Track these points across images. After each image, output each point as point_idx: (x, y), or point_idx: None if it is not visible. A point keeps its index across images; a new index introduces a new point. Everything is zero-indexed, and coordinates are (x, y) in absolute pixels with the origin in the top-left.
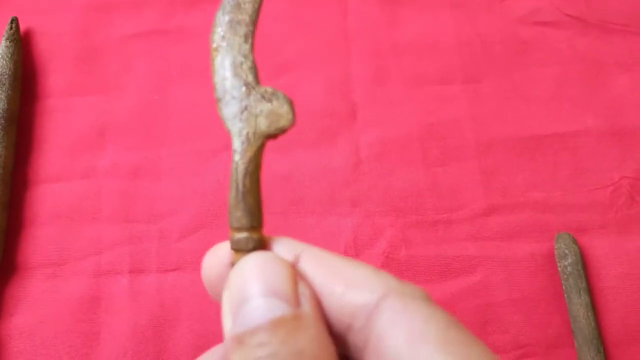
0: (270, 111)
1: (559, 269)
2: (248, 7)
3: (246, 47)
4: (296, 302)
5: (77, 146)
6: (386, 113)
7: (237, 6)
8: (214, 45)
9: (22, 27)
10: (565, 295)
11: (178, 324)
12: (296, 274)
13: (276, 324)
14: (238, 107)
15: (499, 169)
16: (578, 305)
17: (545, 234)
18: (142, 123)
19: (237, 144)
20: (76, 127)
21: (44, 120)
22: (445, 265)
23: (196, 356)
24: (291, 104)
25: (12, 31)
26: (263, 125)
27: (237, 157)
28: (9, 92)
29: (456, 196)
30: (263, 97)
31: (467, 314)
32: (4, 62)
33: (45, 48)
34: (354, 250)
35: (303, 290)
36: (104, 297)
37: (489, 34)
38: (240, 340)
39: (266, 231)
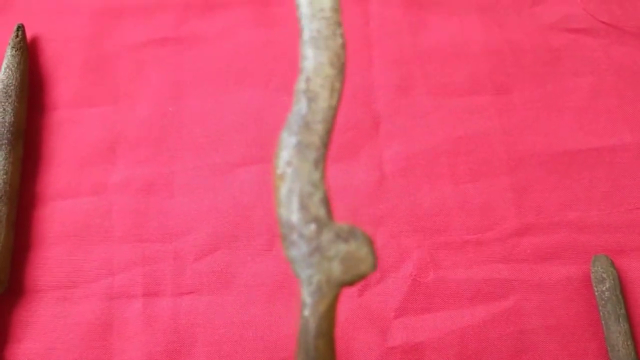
0: (346, 254)
1: (596, 293)
2: (319, 127)
3: (316, 175)
4: None
5: (86, 161)
6: (411, 125)
7: (306, 126)
8: (279, 171)
9: (28, 34)
10: (603, 322)
11: (194, 350)
12: None
13: None
14: (307, 248)
15: (531, 186)
16: (616, 333)
17: (581, 256)
18: (155, 135)
19: (306, 294)
20: (85, 140)
21: (52, 133)
22: (476, 290)
23: None
24: (372, 244)
25: (18, 39)
26: (338, 271)
27: (306, 312)
28: (16, 104)
29: (487, 215)
30: (338, 236)
31: (500, 341)
32: (10, 72)
33: (53, 56)
34: (379, 273)
35: None
36: (117, 322)
37: (519, 42)
38: None
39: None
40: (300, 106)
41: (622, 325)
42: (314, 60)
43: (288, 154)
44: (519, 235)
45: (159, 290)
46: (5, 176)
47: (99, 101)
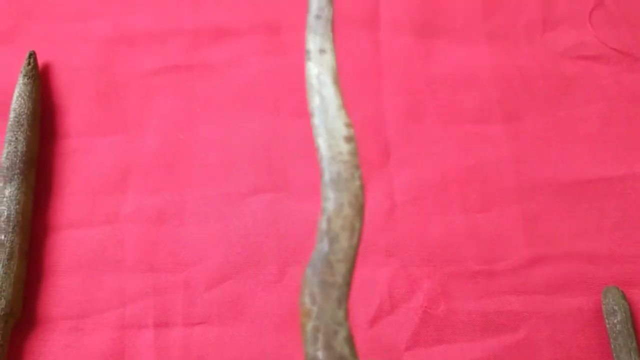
0: None
1: (608, 326)
2: (341, 267)
3: (340, 314)
4: None
5: (98, 189)
6: (422, 152)
7: (329, 265)
8: (304, 308)
9: (40, 61)
10: (615, 356)
11: None
12: None
13: None
14: None
15: (542, 216)
16: None
17: (592, 288)
18: (166, 164)
19: None
20: (97, 169)
21: (64, 162)
22: (488, 322)
23: None
24: None
25: (30, 67)
26: None
27: None
28: (28, 133)
29: (498, 245)
30: None
31: None
32: (22, 101)
33: (64, 83)
34: (390, 304)
35: None
36: (128, 353)
37: (529, 69)
38: None
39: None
40: (322, 245)
41: (633, 358)
42: (334, 201)
43: (312, 292)
44: (530, 266)
45: (170, 321)
46: (17, 206)
47: (110, 130)
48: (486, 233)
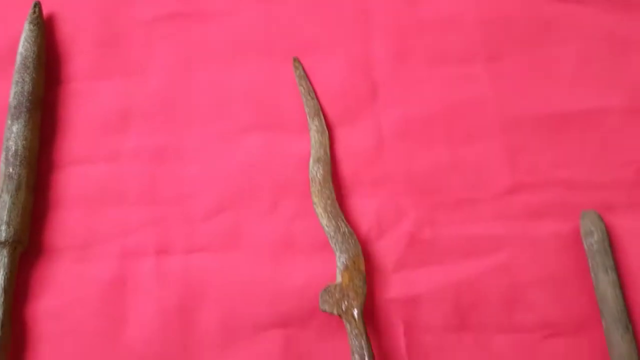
0: None
1: (585, 246)
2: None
3: None
4: None
5: (101, 129)
6: (408, 92)
7: None
8: None
9: (45, 11)
10: (592, 274)
11: (204, 304)
12: None
13: None
14: None
15: (524, 148)
16: (605, 283)
17: (571, 212)
18: (166, 105)
19: None
20: (100, 110)
21: (68, 104)
22: (471, 245)
23: (222, 336)
24: None
25: (35, 15)
26: None
27: None
28: (34, 75)
29: (481, 175)
30: None
31: (494, 293)
32: (28, 45)
33: (68, 32)
34: (378, 230)
35: None
36: (131, 279)
37: (511, 11)
38: None
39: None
40: None
41: (610, 275)
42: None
43: None
44: (511, 193)
45: (170, 249)
46: (24, 142)
47: (112, 74)
48: (470, 165)
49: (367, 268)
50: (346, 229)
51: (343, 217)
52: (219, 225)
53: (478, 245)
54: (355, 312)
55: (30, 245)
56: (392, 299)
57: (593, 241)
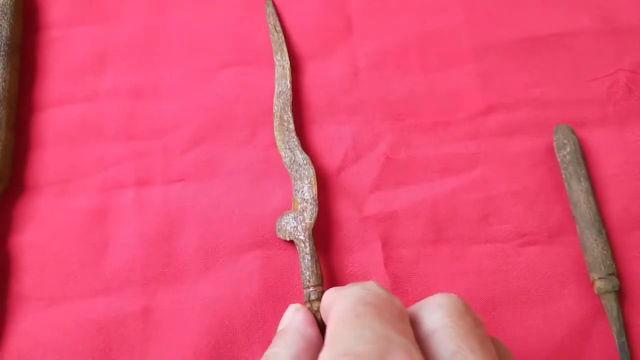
0: None
1: (559, 159)
2: None
3: None
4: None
5: (79, 71)
6: (382, 23)
7: None
8: None
9: None
10: (566, 184)
11: (184, 230)
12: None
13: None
14: None
15: (497, 72)
16: (578, 192)
17: (544, 129)
18: (142, 46)
19: None
20: (77, 54)
21: (46, 49)
22: (446, 163)
23: (203, 257)
24: None
25: None
26: None
27: None
28: (11, 21)
29: (455, 99)
30: None
31: (469, 207)
32: None
33: None
34: (354, 153)
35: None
36: (111, 210)
37: None
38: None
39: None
40: None
41: (583, 184)
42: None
43: None
44: (485, 114)
45: (150, 180)
46: (4, 83)
47: (89, 20)
48: (444, 89)
49: (344, 190)
50: (301, 158)
51: (300, 148)
52: (198, 157)
53: (453, 163)
54: (303, 235)
55: (12, 183)
56: (369, 216)
57: (566, 152)
